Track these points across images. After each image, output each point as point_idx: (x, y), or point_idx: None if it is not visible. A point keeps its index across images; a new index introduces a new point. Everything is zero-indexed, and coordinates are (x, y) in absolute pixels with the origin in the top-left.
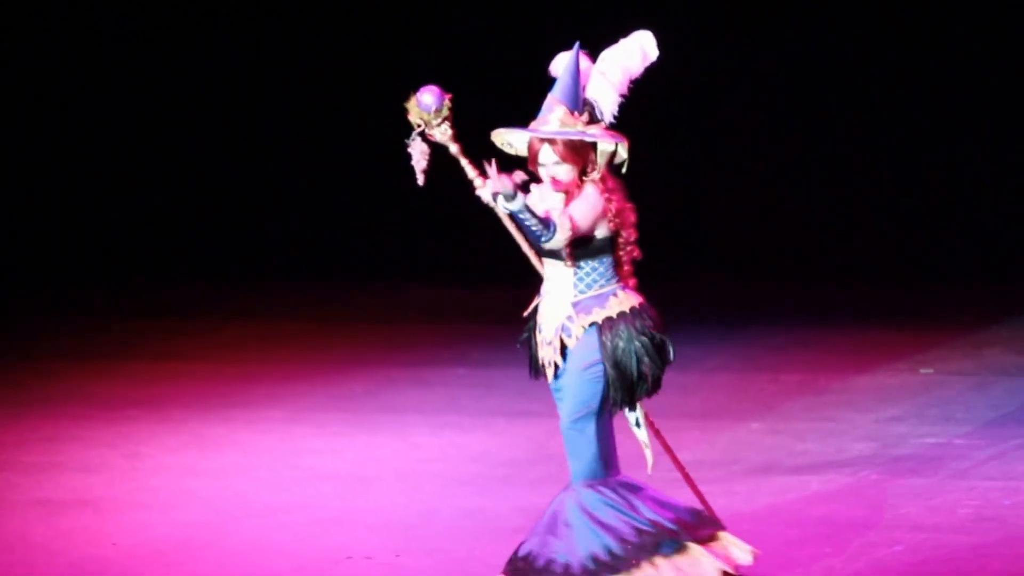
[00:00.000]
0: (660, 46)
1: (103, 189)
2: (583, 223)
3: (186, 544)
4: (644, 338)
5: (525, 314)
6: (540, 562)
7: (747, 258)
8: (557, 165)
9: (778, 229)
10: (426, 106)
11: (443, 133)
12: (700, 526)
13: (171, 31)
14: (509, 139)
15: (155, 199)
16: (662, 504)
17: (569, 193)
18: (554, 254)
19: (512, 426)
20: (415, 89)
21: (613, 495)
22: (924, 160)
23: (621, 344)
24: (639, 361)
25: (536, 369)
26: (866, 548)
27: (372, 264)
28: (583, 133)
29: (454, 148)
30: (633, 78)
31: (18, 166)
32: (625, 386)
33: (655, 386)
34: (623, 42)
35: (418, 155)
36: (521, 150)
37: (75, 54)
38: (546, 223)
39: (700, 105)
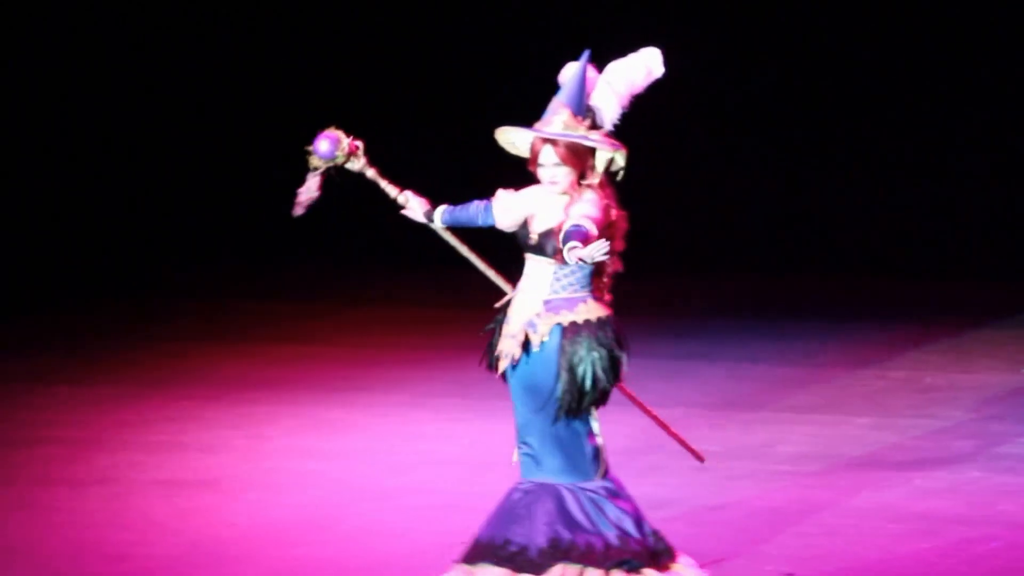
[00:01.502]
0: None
1: (225, 169)
2: (599, 216)
3: (303, 526)
4: (602, 350)
5: (497, 306)
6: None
7: (853, 255)
8: (557, 167)
9: (885, 225)
10: (323, 154)
11: (354, 165)
12: (660, 552)
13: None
14: (512, 138)
15: (278, 179)
16: (635, 521)
17: (570, 197)
18: (540, 249)
19: (623, 415)
20: (314, 135)
21: (596, 499)
22: None
23: (580, 352)
24: (593, 371)
25: (491, 360)
26: (963, 544)
27: (499, 250)
28: (584, 137)
29: (370, 173)
30: (636, 92)
31: (141, 150)
32: (574, 393)
33: (602, 399)
34: (631, 56)
35: (308, 191)
36: (523, 150)
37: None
38: (584, 232)
39: (806, 99)
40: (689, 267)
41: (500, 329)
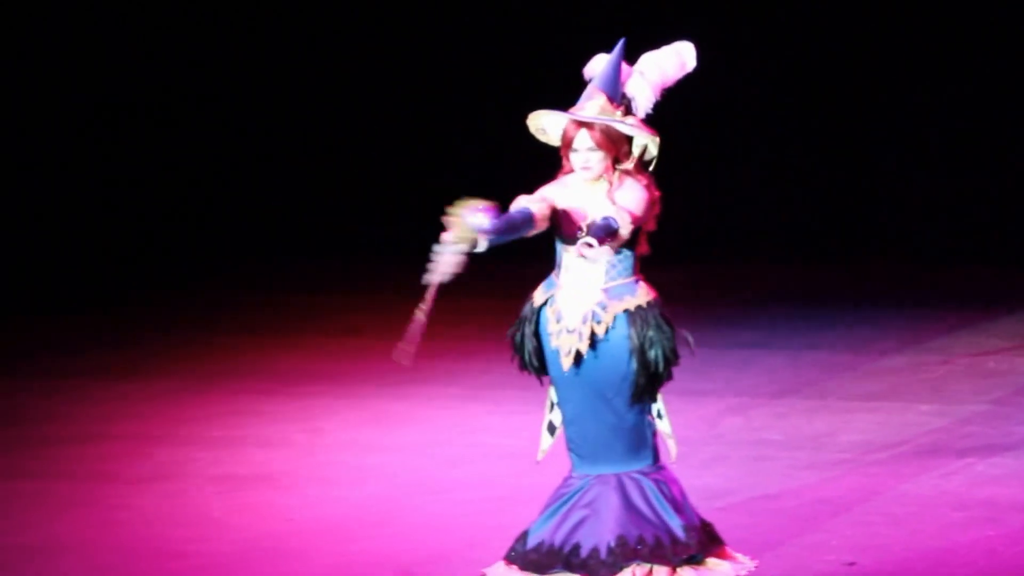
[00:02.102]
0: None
1: (278, 165)
2: (641, 213)
3: (361, 521)
4: (668, 330)
5: (533, 306)
6: (575, 549)
7: (911, 240)
8: (591, 151)
9: (944, 210)
10: (484, 229)
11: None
12: (711, 539)
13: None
14: (544, 123)
15: (337, 174)
16: (693, 508)
17: (610, 184)
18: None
19: (686, 405)
20: (463, 203)
21: (660, 484)
22: None
23: (650, 335)
24: (664, 353)
25: (531, 362)
26: None
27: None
28: (620, 122)
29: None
30: (667, 85)
31: (195, 145)
32: (648, 376)
33: (669, 377)
34: (665, 48)
35: (447, 265)
36: (554, 138)
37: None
38: (612, 232)
39: (860, 80)
40: (741, 255)
41: (531, 327)
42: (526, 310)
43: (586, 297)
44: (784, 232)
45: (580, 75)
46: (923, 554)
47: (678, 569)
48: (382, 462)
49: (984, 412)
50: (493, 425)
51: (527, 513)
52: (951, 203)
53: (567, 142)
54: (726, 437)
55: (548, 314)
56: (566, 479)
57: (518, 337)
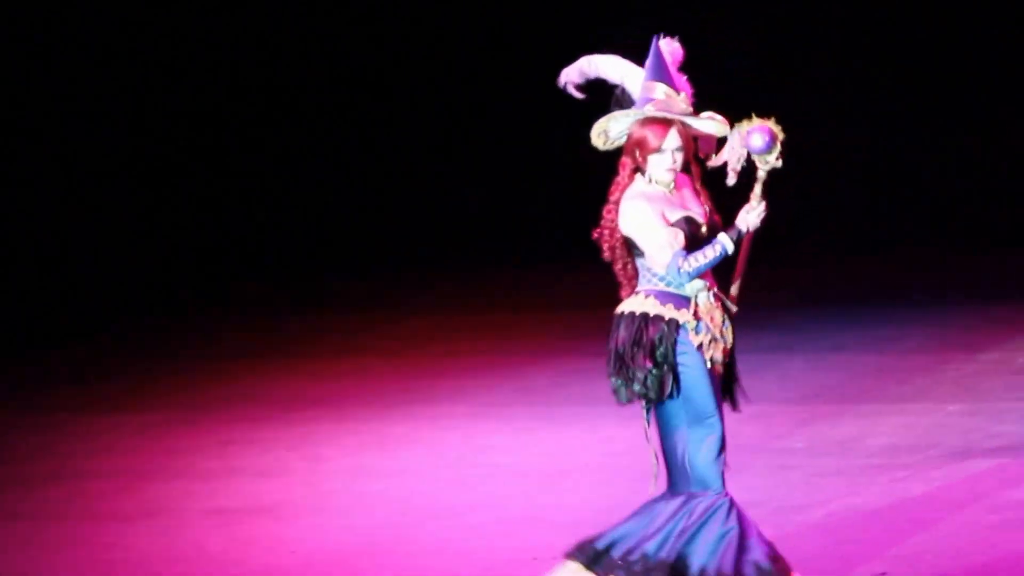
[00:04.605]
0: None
1: (274, 183)
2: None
3: (367, 549)
4: None
5: (689, 323)
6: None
7: (932, 231)
8: (679, 151)
9: (967, 199)
10: (756, 148)
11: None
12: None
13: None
14: (609, 127)
15: (330, 190)
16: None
17: (697, 192)
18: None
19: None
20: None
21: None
22: None
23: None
24: None
25: (656, 389)
26: None
27: (559, 249)
28: (712, 119)
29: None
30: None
31: (174, 166)
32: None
33: None
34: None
35: (735, 157)
36: (618, 140)
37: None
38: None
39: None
40: (759, 255)
41: (675, 339)
42: (663, 330)
43: (714, 303)
44: (800, 232)
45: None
46: (958, 562)
47: None
48: (387, 487)
49: (1016, 409)
50: (501, 444)
51: (544, 534)
52: (976, 190)
53: (650, 143)
54: (747, 445)
55: (706, 324)
56: (722, 498)
57: (660, 356)
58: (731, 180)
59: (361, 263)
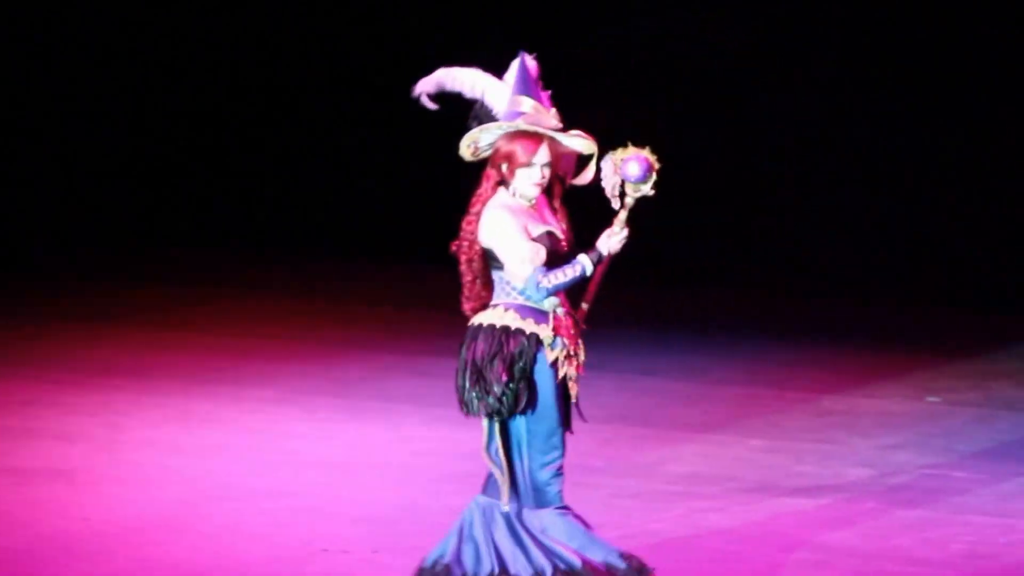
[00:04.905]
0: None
1: (101, 149)
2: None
3: (161, 523)
4: None
5: (547, 338)
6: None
7: (760, 270)
8: (547, 167)
9: (794, 242)
10: (632, 177)
11: (626, 206)
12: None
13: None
14: (480, 136)
15: (152, 161)
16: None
17: (555, 211)
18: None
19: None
20: (627, 147)
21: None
22: (951, 183)
23: None
24: None
25: (510, 403)
26: None
27: (385, 243)
28: (584, 137)
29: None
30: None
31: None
32: None
33: None
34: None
35: (609, 184)
36: (484, 152)
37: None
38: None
39: (728, 117)
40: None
41: (534, 354)
42: (524, 344)
43: (570, 319)
44: (620, 255)
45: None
46: None
47: None
48: (185, 464)
49: (816, 451)
50: (305, 432)
51: (332, 525)
52: (802, 234)
53: (520, 156)
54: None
55: (562, 341)
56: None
57: (519, 371)
58: (615, 205)
59: (180, 236)
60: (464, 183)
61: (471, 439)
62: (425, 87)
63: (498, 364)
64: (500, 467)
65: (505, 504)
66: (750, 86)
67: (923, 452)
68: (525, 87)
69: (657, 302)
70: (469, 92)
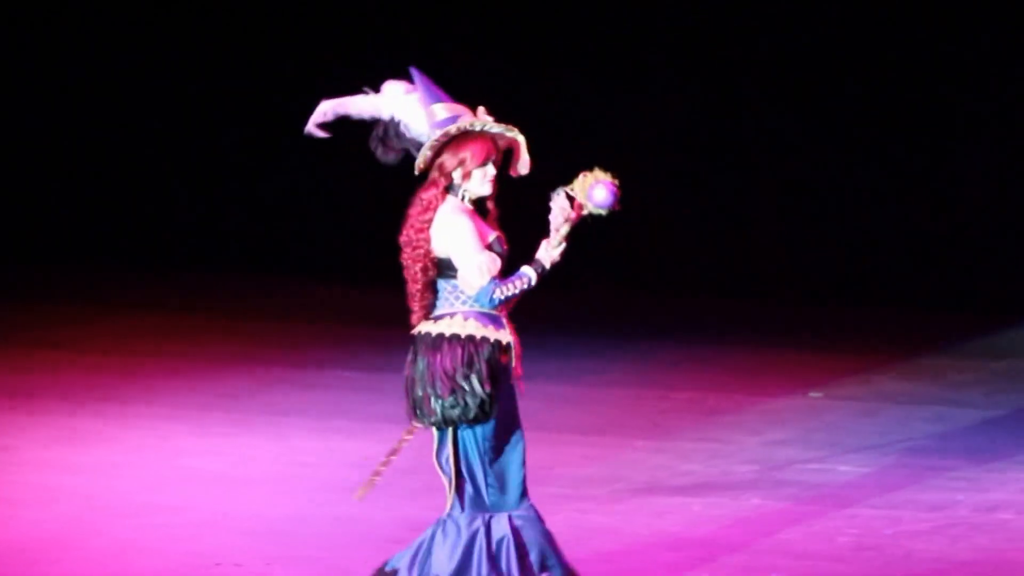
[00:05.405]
0: None
1: None
2: None
3: (50, 543)
4: None
5: (509, 343)
6: None
7: (648, 269)
8: (494, 165)
9: (681, 241)
10: (596, 201)
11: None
12: None
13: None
14: (426, 149)
15: (26, 176)
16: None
17: (489, 212)
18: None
19: (399, 433)
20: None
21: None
22: (823, 180)
23: None
24: None
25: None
26: (742, 573)
27: (270, 258)
28: (511, 128)
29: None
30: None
31: None
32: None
33: None
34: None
35: (558, 212)
36: (414, 155)
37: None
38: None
39: (633, 122)
40: None
41: (492, 364)
42: (492, 351)
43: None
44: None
45: None
46: None
47: None
48: (75, 483)
49: (703, 450)
50: (193, 446)
51: (224, 539)
52: (691, 233)
53: (475, 157)
54: (429, 464)
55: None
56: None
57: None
58: (558, 232)
59: (66, 254)
60: (337, 196)
61: (360, 449)
62: (316, 120)
63: (479, 372)
64: (449, 476)
65: (447, 511)
66: None
67: (808, 447)
68: (436, 95)
69: (536, 306)
70: (374, 115)
